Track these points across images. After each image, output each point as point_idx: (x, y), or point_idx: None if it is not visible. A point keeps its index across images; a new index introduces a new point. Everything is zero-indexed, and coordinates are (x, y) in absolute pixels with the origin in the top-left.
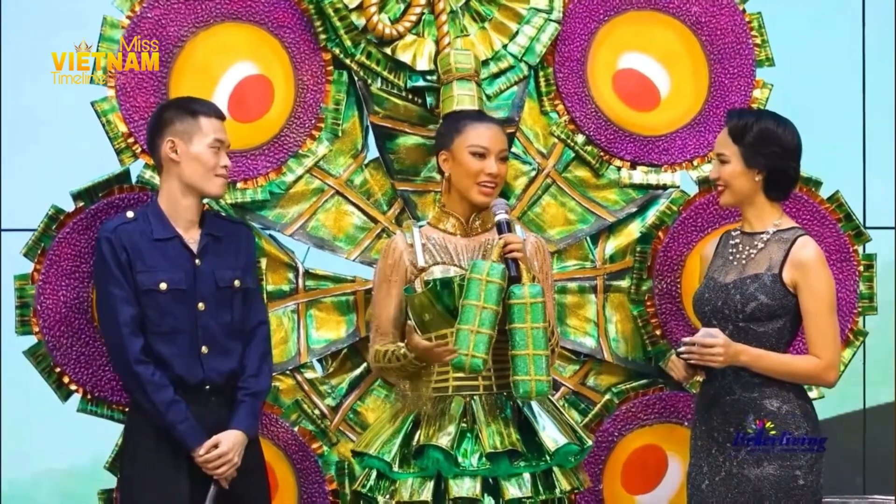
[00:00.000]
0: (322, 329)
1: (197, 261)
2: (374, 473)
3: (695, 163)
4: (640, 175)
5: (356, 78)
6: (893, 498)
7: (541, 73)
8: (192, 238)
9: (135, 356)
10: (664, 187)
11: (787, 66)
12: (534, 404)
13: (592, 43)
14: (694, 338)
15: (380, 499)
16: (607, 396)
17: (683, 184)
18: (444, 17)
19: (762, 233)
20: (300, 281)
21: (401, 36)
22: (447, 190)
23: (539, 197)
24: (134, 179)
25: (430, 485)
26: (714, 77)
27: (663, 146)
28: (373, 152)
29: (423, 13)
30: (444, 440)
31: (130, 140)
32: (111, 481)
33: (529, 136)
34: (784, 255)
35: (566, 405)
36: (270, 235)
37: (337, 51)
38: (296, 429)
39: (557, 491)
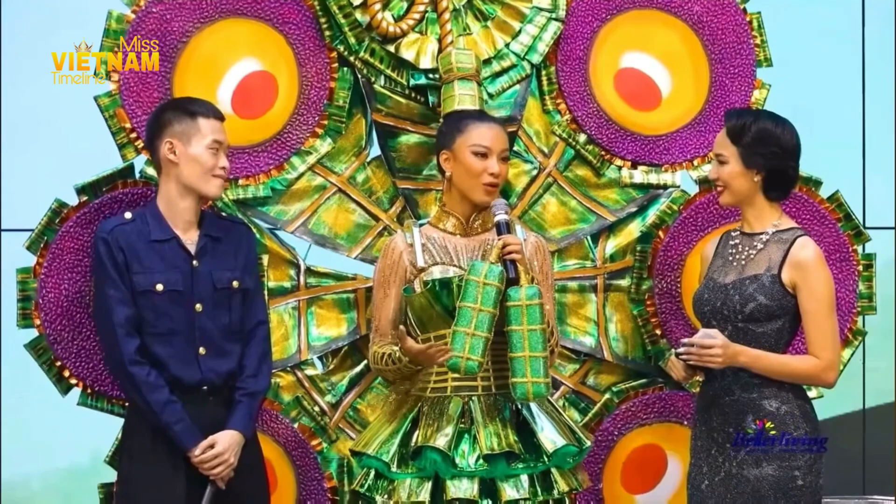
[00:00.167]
0: (323, 326)
1: (194, 262)
2: (372, 473)
3: (695, 163)
4: (640, 174)
5: (360, 75)
6: (893, 498)
7: (543, 72)
8: (191, 239)
9: (129, 357)
10: (665, 187)
11: (786, 66)
12: (532, 405)
13: (595, 42)
14: (693, 339)
15: (378, 499)
16: (607, 396)
17: (684, 183)
18: (447, 16)
19: (761, 233)
20: (301, 278)
21: (404, 34)
22: (448, 189)
23: (540, 196)
24: (137, 174)
25: (428, 485)
26: (715, 77)
27: (664, 146)
28: (375, 150)
29: (426, 11)
30: (441, 441)
31: (133, 135)
32: (111, 477)
33: (531, 135)
34: (783, 256)
35: (566, 404)
36: (272, 232)
37: (341, 48)
38: (295, 425)
39: (555, 492)
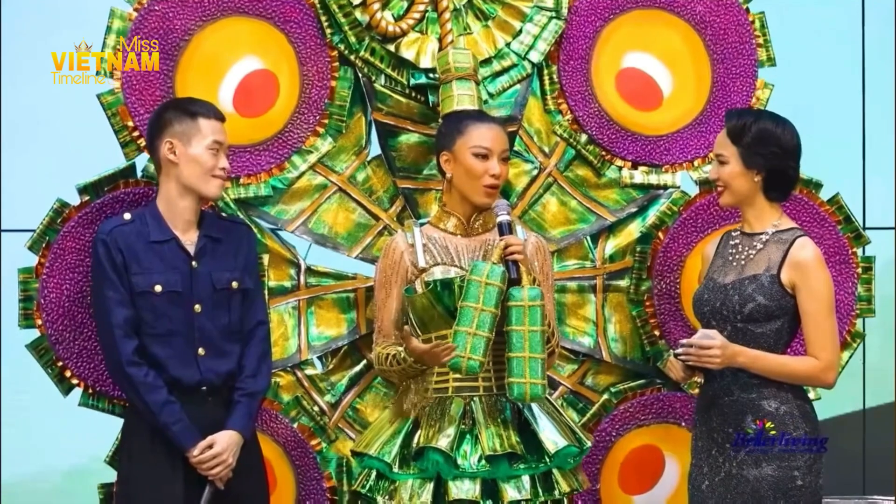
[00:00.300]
0: (323, 326)
1: (193, 263)
2: (373, 474)
3: (695, 163)
4: (640, 175)
5: (360, 74)
6: (893, 498)
7: (545, 72)
8: (190, 240)
9: (127, 358)
10: (665, 187)
11: (787, 66)
12: (534, 406)
13: (597, 41)
14: (691, 339)
15: (379, 499)
16: (605, 396)
17: (684, 184)
18: (447, 15)
19: (761, 233)
20: (302, 277)
21: (404, 33)
22: (448, 190)
23: (540, 196)
24: (139, 173)
25: (430, 486)
26: (716, 77)
27: (665, 146)
28: (375, 149)
29: (426, 11)
30: (443, 442)
31: (135, 134)
32: (111, 477)
33: (532, 135)
34: (782, 256)
35: (564, 404)
36: (273, 231)
37: (342, 47)
38: (295, 425)
39: (557, 493)
